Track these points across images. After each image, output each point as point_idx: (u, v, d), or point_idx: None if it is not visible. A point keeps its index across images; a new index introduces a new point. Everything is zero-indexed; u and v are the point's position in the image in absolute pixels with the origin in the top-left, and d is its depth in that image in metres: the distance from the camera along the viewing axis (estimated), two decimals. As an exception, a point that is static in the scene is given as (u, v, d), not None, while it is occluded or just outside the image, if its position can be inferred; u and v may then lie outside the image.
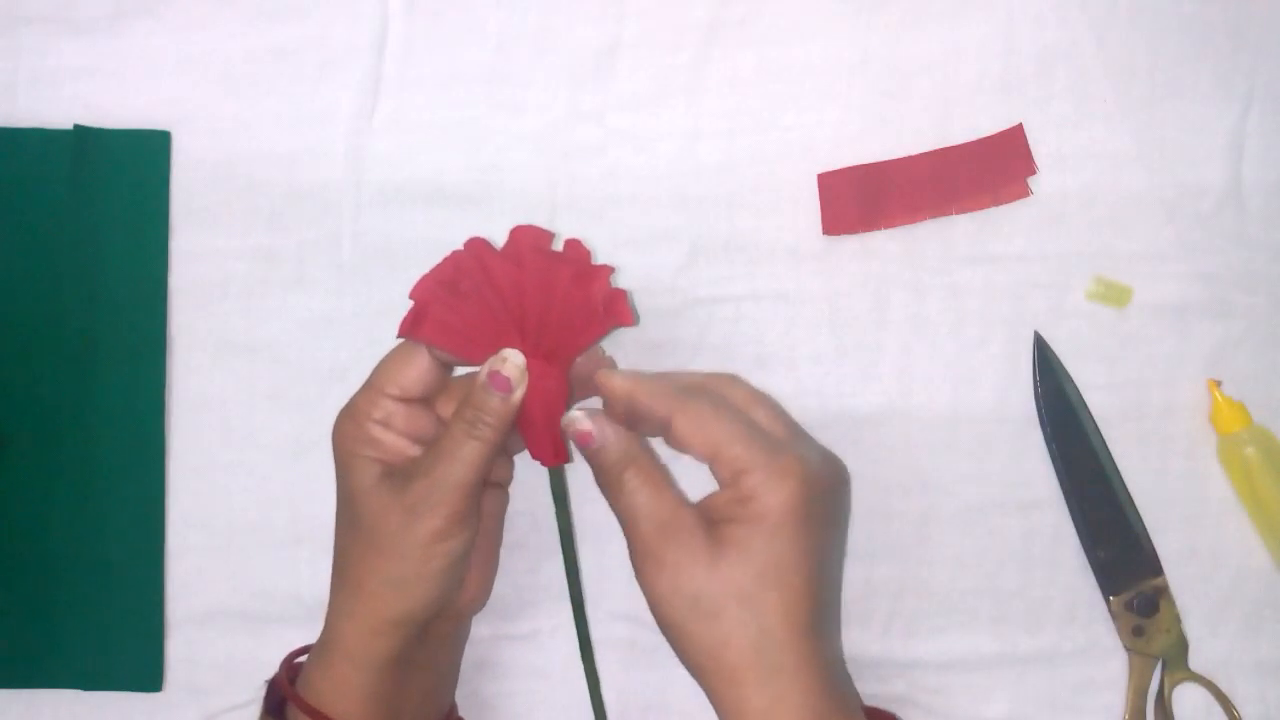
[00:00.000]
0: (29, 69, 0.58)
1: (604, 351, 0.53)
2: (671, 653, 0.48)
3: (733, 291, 0.57)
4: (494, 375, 0.48)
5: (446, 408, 0.50)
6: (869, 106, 0.58)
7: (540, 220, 0.52)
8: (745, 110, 0.58)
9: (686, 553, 0.46)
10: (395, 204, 0.58)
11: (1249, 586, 0.57)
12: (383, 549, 0.48)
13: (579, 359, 0.50)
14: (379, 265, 0.58)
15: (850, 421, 0.57)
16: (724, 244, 0.57)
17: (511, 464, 0.54)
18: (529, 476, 0.56)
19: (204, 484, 0.57)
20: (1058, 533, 0.57)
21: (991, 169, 0.57)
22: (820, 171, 0.57)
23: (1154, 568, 0.56)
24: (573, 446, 0.49)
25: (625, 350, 0.57)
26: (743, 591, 0.45)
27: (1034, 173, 0.57)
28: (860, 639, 0.56)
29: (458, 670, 0.55)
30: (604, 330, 0.49)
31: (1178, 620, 0.56)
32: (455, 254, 0.49)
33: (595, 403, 0.50)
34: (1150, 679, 0.56)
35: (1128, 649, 0.56)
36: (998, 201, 0.57)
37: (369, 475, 0.48)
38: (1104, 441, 0.56)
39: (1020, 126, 0.57)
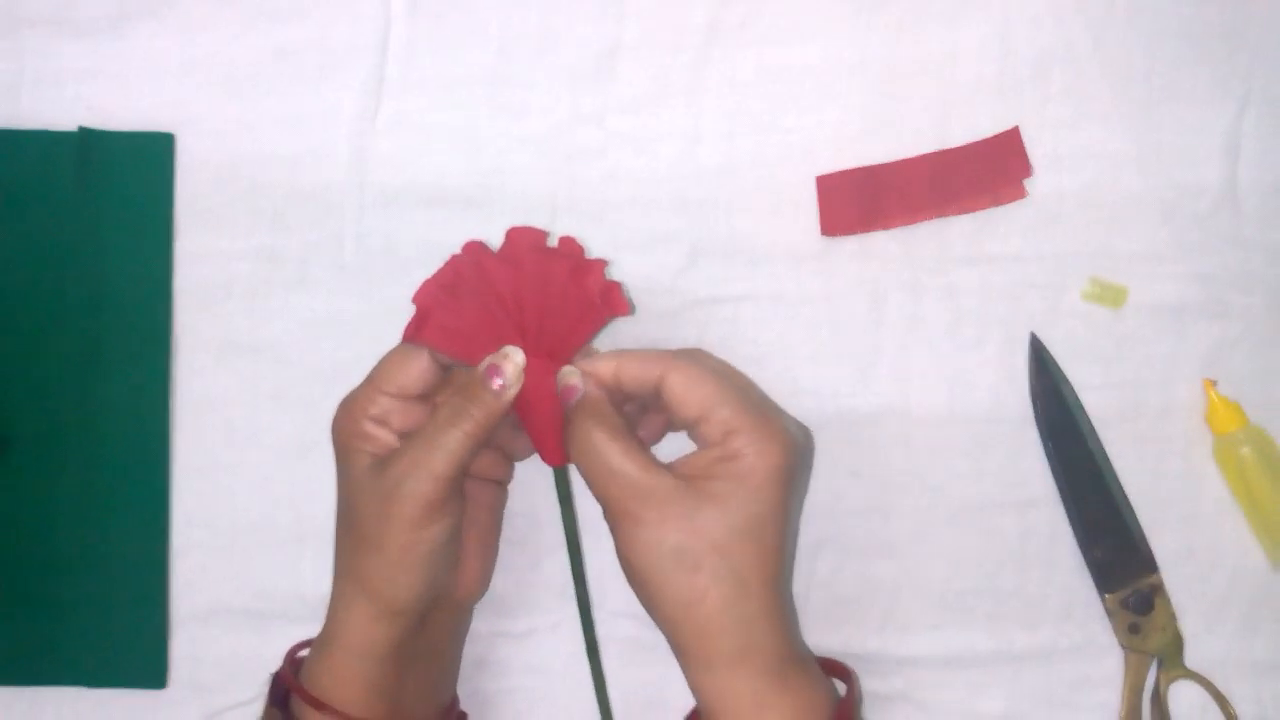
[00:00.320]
0: (33, 71, 0.58)
1: (597, 350, 0.53)
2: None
3: (732, 292, 0.58)
4: (491, 368, 0.48)
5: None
6: (867, 108, 0.58)
7: (541, 222, 0.52)
8: (745, 112, 0.58)
9: (665, 508, 0.47)
10: (397, 205, 0.58)
11: (1245, 585, 0.57)
12: (369, 538, 0.48)
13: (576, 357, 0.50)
14: (381, 266, 0.58)
15: (848, 421, 0.57)
16: (723, 245, 0.58)
17: (511, 464, 0.55)
18: (529, 476, 0.56)
19: (208, 483, 0.58)
20: (1054, 531, 0.57)
21: (989, 170, 0.57)
22: (819, 173, 0.58)
23: (1149, 566, 0.56)
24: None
25: (625, 351, 0.57)
26: (721, 545, 0.46)
27: (1030, 174, 0.57)
28: (857, 636, 0.57)
29: (459, 661, 0.55)
30: (602, 321, 0.50)
31: (1173, 618, 0.56)
32: (454, 258, 0.50)
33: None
34: (1146, 677, 0.56)
35: (1123, 647, 0.56)
36: (995, 203, 0.57)
37: (361, 466, 0.49)
38: (1100, 441, 0.57)
39: (1017, 129, 0.57)
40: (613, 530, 0.48)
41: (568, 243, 0.51)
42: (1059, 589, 0.57)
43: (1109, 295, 0.57)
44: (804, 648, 0.50)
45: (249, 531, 0.58)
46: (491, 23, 0.58)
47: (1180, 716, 0.56)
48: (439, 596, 0.50)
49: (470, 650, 0.56)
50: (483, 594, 0.54)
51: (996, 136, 0.57)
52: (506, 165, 0.58)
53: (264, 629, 0.57)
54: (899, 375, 0.57)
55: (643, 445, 0.49)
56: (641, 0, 0.58)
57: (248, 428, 0.58)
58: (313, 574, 0.57)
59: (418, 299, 0.49)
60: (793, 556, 0.53)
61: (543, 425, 0.49)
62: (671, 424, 0.53)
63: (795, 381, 0.57)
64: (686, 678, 0.49)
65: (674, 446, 0.52)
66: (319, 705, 0.49)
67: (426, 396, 0.50)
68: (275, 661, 0.52)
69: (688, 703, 0.50)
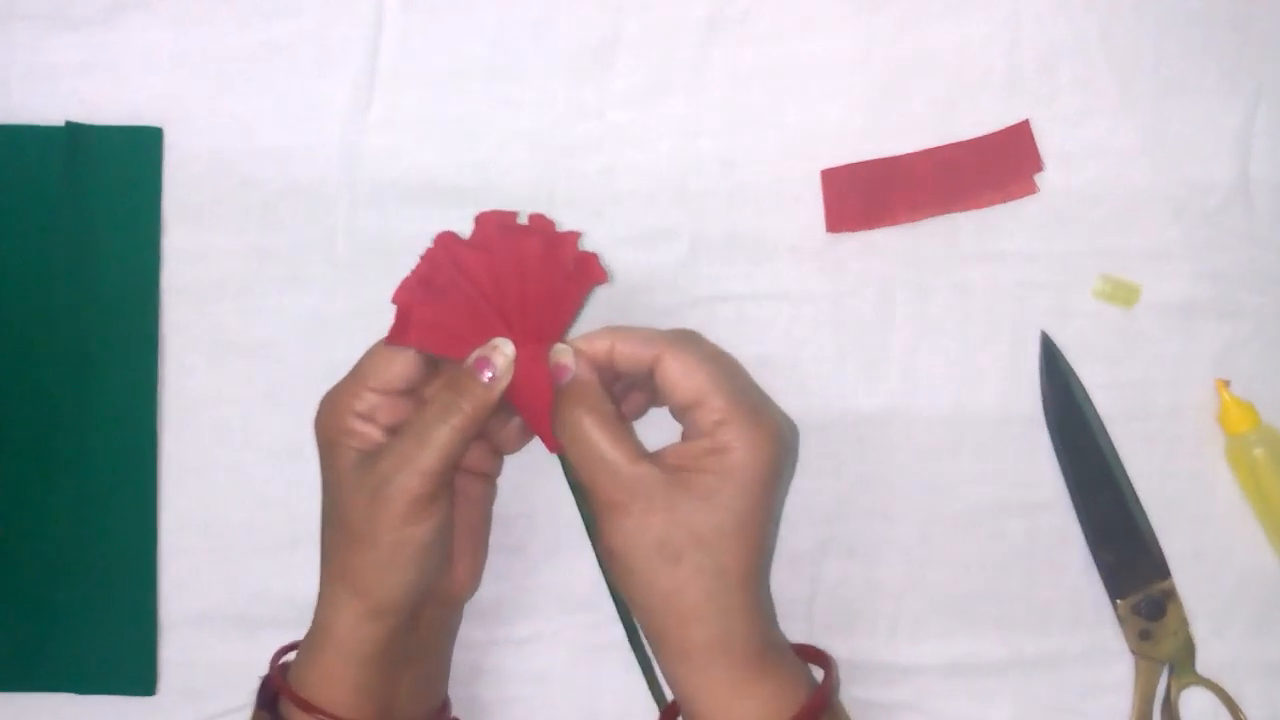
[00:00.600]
0: (22, 65, 0.58)
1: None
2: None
3: (734, 290, 0.57)
4: (480, 361, 0.48)
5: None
6: (873, 102, 0.58)
7: (539, 218, 0.51)
8: (746, 106, 0.58)
9: (650, 499, 0.47)
10: (391, 201, 0.58)
11: (1256, 588, 0.56)
12: (356, 535, 0.48)
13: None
14: (374, 263, 0.57)
15: (854, 422, 0.57)
16: (725, 242, 0.57)
17: (499, 458, 0.55)
18: (527, 479, 0.56)
19: (198, 485, 0.57)
20: (1064, 535, 0.56)
21: (997, 166, 0.57)
22: (823, 168, 0.57)
23: (1161, 570, 0.56)
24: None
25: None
26: (704, 538, 0.46)
27: (1040, 169, 0.57)
28: (864, 643, 0.56)
29: (449, 661, 0.55)
30: (582, 293, 0.50)
31: (1185, 624, 0.55)
32: (429, 251, 0.50)
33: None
34: (1157, 683, 0.55)
35: (1134, 653, 0.55)
36: (1003, 199, 0.57)
37: (346, 462, 0.48)
38: (1110, 442, 0.56)
39: (1026, 123, 0.57)
40: (596, 518, 0.48)
41: (537, 219, 0.51)
42: (1069, 594, 0.56)
43: (1120, 293, 0.56)
44: (780, 637, 0.51)
45: (240, 534, 0.57)
46: (487, 15, 0.58)
47: (1192, 724, 0.56)
48: (429, 594, 0.50)
49: (468, 657, 0.56)
50: (474, 591, 0.54)
51: (1006, 130, 0.57)
52: (503, 159, 0.58)
53: (255, 634, 0.56)
54: (906, 375, 0.57)
55: (631, 432, 0.49)
56: (641, -8, 0.58)
57: (238, 428, 0.57)
58: (305, 578, 0.55)
59: (397, 298, 0.49)
60: (773, 548, 0.53)
61: (541, 413, 0.49)
62: (656, 402, 0.53)
63: (800, 382, 0.57)
64: (662, 668, 0.49)
65: (660, 434, 0.51)
66: (307, 707, 0.48)
67: (413, 391, 0.50)
68: (267, 667, 0.51)
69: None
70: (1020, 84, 0.57)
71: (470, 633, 0.56)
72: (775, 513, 0.50)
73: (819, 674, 0.50)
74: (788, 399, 0.55)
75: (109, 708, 0.57)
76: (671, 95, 0.58)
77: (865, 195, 0.57)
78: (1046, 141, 0.57)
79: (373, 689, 0.49)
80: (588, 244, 0.55)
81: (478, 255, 0.49)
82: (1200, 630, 0.56)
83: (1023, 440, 0.56)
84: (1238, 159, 0.57)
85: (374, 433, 0.49)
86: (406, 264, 0.49)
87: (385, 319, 0.49)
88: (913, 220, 0.57)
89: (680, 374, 0.48)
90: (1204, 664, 0.55)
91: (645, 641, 0.50)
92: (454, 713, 0.55)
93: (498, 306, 0.49)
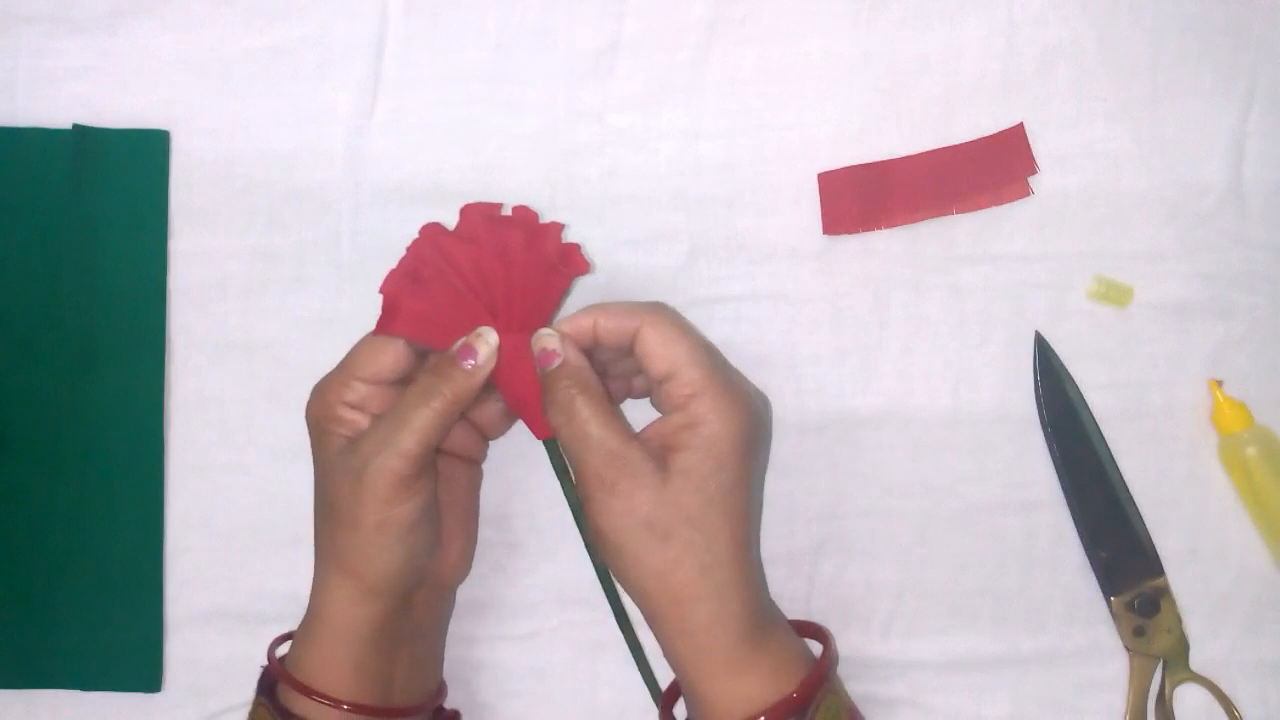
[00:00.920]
0: (28, 68, 0.58)
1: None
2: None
3: (733, 291, 0.57)
4: (464, 349, 0.49)
5: None
6: (870, 105, 0.58)
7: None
8: (745, 109, 0.58)
9: (638, 479, 0.47)
10: (394, 203, 0.58)
11: (1250, 586, 0.56)
12: (343, 518, 0.48)
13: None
14: (378, 265, 0.56)
15: (850, 421, 0.57)
16: (724, 244, 0.57)
17: (485, 442, 0.55)
18: (526, 476, 0.56)
19: (203, 484, 0.57)
20: (1059, 533, 0.56)
21: (992, 168, 0.57)
22: (821, 171, 0.57)
23: (1155, 568, 0.56)
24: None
25: (625, 350, 0.57)
26: (692, 516, 0.47)
27: (1035, 172, 0.57)
28: (861, 639, 0.56)
29: (443, 646, 0.55)
30: (565, 283, 0.51)
31: (1179, 621, 0.56)
32: (414, 243, 0.50)
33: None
34: (1151, 680, 0.56)
35: (1129, 649, 0.56)
36: (998, 201, 0.57)
37: (334, 448, 0.49)
38: (1105, 442, 0.56)
39: (1021, 125, 0.57)
40: (585, 498, 0.48)
41: (521, 210, 0.51)
42: (1064, 591, 0.56)
43: (1114, 294, 0.57)
44: (775, 610, 0.51)
45: (245, 533, 0.57)
46: (489, 19, 0.58)
47: (1186, 720, 0.56)
48: (421, 578, 0.51)
49: (469, 653, 0.56)
50: (465, 574, 0.54)
51: (1001, 133, 0.57)
52: (504, 162, 0.58)
53: (260, 631, 0.56)
54: (902, 376, 0.57)
55: (620, 414, 0.49)
56: (642, -4, 0.58)
57: (244, 428, 0.58)
58: (309, 575, 0.55)
59: (384, 289, 0.49)
60: (759, 523, 0.54)
61: (527, 400, 0.50)
62: (632, 389, 0.54)
63: (797, 382, 0.57)
64: (662, 647, 0.49)
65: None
66: (306, 691, 0.49)
67: (403, 382, 0.50)
68: (265, 658, 0.52)
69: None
70: (1016, 87, 0.58)
71: (471, 629, 0.56)
72: (756, 485, 0.50)
73: (817, 649, 0.51)
74: (785, 399, 0.55)
75: (115, 704, 0.57)
76: (671, 99, 0.58)
77: (862, 198, 0.57)
78: (1041, 144, 0.57)
79: (369, 671, 0.49)
80: (589, 247, 0.55)
81: (463, 246, 0.49)
82: (1194, 627, 0.56)
83: (1018, 440, 0.57)
84: (1231, 161, 0.57)
85: (362, 421, 0.49)
86: (408, 265, 0.50)
87: (385, 318, 0.49)
88: (909, 222, 0.57)
89: (659, 344, 0.48)
90: (1198, 661, 0.56)
91: (646, 621, 0.49)
92: (455, 708, 0.55)
93: (483, 296, 0.49)
